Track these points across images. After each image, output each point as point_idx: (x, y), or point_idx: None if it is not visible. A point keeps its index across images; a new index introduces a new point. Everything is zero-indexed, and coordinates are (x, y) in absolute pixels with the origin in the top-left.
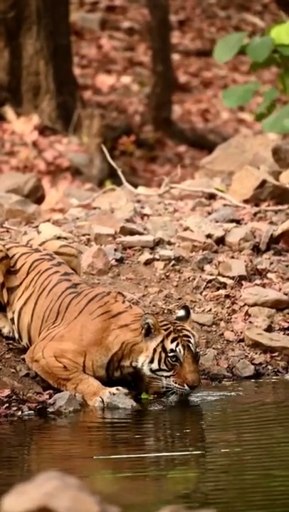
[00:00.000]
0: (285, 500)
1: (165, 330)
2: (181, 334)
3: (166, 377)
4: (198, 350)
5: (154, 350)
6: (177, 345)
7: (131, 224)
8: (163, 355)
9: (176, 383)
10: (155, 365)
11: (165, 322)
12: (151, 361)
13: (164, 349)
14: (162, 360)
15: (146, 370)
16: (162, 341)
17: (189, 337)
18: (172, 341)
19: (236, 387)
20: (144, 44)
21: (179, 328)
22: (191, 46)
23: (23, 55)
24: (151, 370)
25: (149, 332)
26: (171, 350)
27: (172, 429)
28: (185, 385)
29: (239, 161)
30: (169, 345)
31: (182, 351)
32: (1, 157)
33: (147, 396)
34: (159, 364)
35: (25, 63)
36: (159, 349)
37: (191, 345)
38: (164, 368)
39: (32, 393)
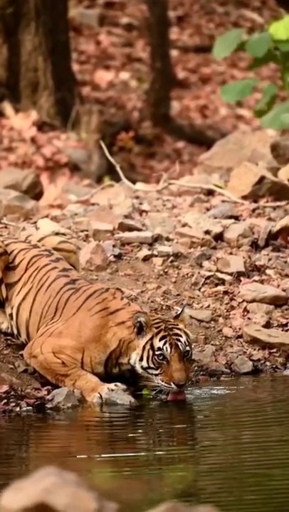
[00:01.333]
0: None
1: (156, 328)
2: (171, 333)
3: (155, 375)
4: (188, 348)
5: (144, 347)
6: (165, 344)
7: (129, 220)
8: (151, 353)
9: (162, 381)
10: (144, 363)
11: (158, 320)
12: (141, 359)
13: (152, 347)
14: (150, 358)
15: (138, 367)
16: (151, 339)
17: (179, 335)
18: (160, 339)
19: (235, 383)
20: (142, 40)
21: (170, 326)
22: (190, 42)
23: (22, 51)
24: (142, 367)
25: (141, 330)
26: (158, 349)
27: (170, 427)
28: (171, 384)
29: (237, 157)
30: (157, 344)
31: (169, 349)
32: (0, 153)
33: (148, 392)
34: (148, 362)
35: (24, 59)
36: (148, 347)
37: (179, 343)
38: (152, 365)
39: (30, 389)
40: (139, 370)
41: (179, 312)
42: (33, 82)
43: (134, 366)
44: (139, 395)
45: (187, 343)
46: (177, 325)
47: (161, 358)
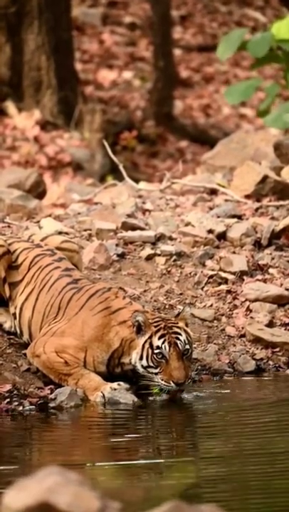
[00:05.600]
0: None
1: (155, 327)
2: (170, 331)
3: (155, 373)
4: (187, 347)
5: (143, 346)
6: (163, 342)
7: (132, 219)
8: (150, 351)
9: (162, 380)
10: (144, 362)
11: (157, 319)
12: (141, 358)
13: (151, 346)
14: (149, 357)
15: (138, 366)
16: (150, 338)
17: (179, 334)
18: (159, 338)
19: (238, 382)
20: (145, 39)
21: (169, 325)
22: (193, 41)
23: (25, 50)
24: (142, 366)
25: (140, 329)
26: (157, 347)
27: (172, 428)
28: (171, 382)
29: (240, 157)
30: (156, 342)
31: (168, 348)
32: (3, 152)
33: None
34: (147, 361)
35: (27, 58)
36: (147, 346)
37: (178, 342)
38: (152, 364)
39: (33, 388)
40: (140, 370)
41: (180, 311)
42: (36, 81)
43: (135, 365)
44: (141, 394)
45: (187, 342)
46: (177, 323)
47: (160, 356)
